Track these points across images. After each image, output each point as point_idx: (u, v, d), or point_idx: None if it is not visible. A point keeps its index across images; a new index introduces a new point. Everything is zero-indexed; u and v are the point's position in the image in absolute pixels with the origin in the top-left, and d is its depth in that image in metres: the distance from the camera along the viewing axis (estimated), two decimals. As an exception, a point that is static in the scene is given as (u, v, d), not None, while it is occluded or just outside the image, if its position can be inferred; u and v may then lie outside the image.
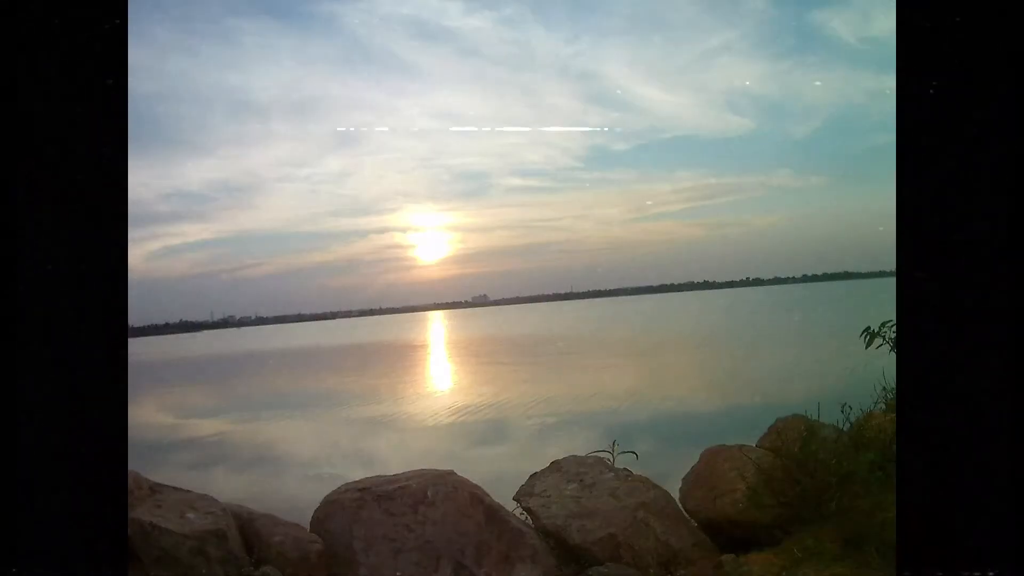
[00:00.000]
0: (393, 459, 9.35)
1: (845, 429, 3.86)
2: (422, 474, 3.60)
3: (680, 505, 3.81)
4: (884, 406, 4.23)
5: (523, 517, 3.69)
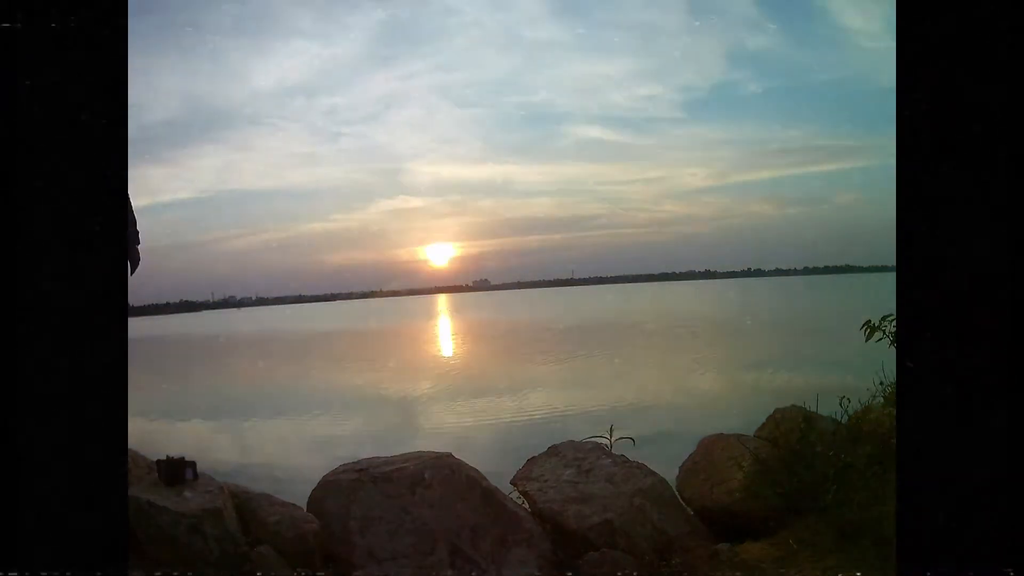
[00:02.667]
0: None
1: (843, 422, 3.87)
2: (420, 456, 3.61)
3: (677, 493, 3.83)
4: (883, 400, 4.24)
5: (520, 501, 3.71)
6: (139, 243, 3.38)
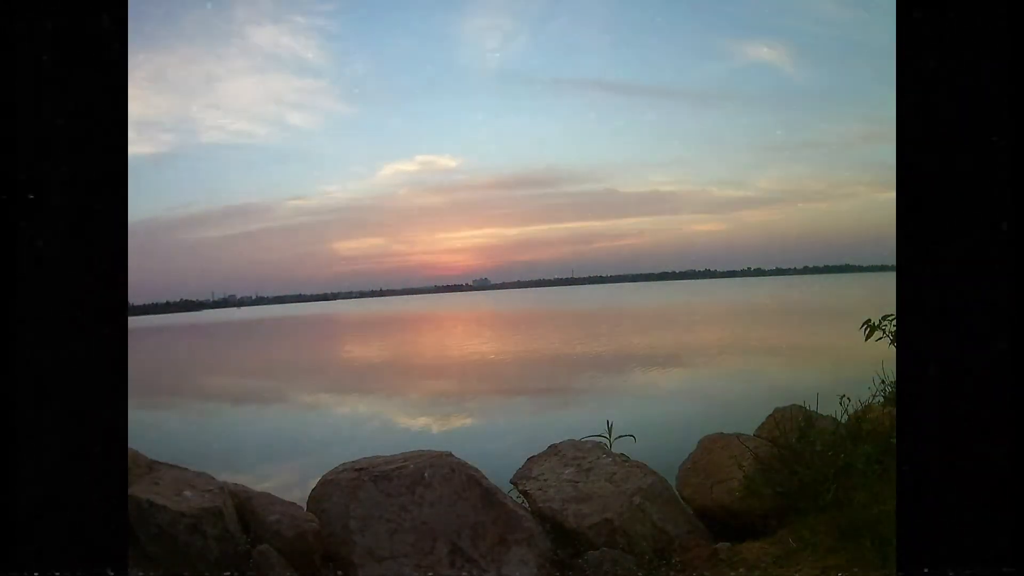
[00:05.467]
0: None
1: (843, 421, 3.87)
2: (420, 455, 3.60)
3: (677, 492, 3.83)
4: (883, 399, 4.24)
5: (520, 500, 3.71)
6: None
